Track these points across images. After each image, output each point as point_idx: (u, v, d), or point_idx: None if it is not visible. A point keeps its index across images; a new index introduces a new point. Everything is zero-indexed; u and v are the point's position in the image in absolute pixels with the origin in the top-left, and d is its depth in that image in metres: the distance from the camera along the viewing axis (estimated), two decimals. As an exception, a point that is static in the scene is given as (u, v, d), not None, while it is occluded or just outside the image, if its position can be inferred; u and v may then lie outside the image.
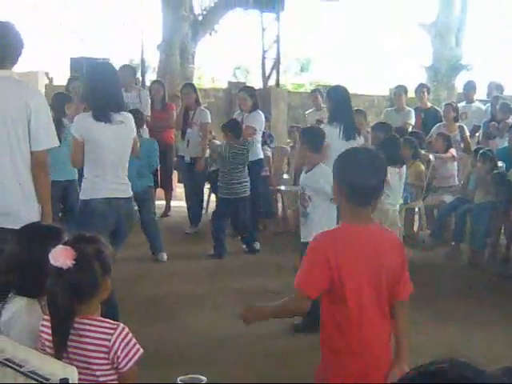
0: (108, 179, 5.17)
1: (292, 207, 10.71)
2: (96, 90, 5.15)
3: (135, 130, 5.44)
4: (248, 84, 15.17)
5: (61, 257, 2.57)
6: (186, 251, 8.70)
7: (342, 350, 2.93)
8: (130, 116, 5.36)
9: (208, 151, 9.95)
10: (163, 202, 11.03)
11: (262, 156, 9.50)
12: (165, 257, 8.17)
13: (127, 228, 5.39)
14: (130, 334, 2.65)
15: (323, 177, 5.54)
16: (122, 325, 2.66)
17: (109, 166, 5.16)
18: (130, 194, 5.34)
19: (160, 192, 10.77)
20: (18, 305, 2.87)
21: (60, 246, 2.62)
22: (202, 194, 10.15)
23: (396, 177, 7.04)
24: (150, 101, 10.10)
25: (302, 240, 5.79)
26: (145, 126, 9.63)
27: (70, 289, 2.58)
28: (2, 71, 4.27)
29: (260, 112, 9.44)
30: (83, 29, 33.33)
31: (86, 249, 2.64)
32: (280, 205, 11.11)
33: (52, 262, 2.57)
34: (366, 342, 2.91)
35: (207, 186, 10.59)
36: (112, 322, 2.67)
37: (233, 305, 6.14)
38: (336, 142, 7.06)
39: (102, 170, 5.16)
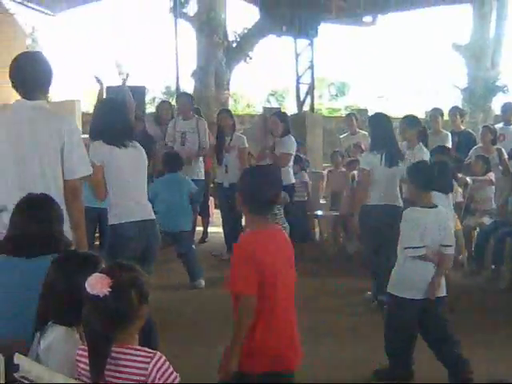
0: (131, 202, 5.24)
1: (329, 232, 10.67)
2: (107, 122, 5.26)
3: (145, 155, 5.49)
4: (283, 109, 15.21)
5: (97, 285, 2.58)
6: (223, 277, 8.66)
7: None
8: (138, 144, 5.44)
9: None
10: (201, 228, 11.06)
11: (293, 181, 9.50)
12: (202, 283, 8.16)
13: (155, 250, 5.41)
14: (167, 363, 2.63)
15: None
16: (158, 353, 2.65)
17: (130, 189, 5.23)
18: (153, 215, 5.40)
19: (198, 218, 10.80)
20: (56, 333, 2.89)
21: (96, 274, 2.63)
22: (241, 219, 10.13)
23: (446, 202, 6.73)
24: (207, 130, 9.99)
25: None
26: (201, 159, 9.80)
27: (107, 317, 2.58)
28: (34, 102, 4.33)
29: (291, 137, 9.47)
30: (121, 58, 33.81)
31: (122, 276, 2.64)
32: (317, 230, 11.06)
33: (88, 290, 2.58)
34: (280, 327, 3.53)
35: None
36: (149, 350, 2.66)
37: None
38: (378, 169, 7.21)
39: (124, 194, 5.23)
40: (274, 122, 9.52)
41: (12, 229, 3.70)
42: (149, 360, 2.61)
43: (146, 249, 5.24)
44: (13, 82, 4.36)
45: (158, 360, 2.61)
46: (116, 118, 5.26)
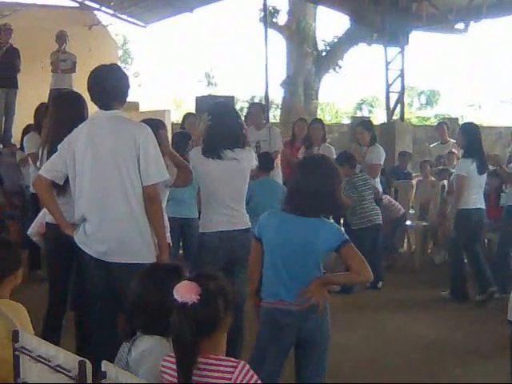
0: (219, 212, 5.26)
1: (418, 243, 10.52)
2: (211, 127, 5.28)
3: (252, 164, 5.49)
4: (373, 118, 15.09)
5: (186, 292, 2.59)
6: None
7: None
8: (247, 153, 5.41)
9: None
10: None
11: (381, 190, 9.41)
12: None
13: (243, 260, 5.43)
14: (251, 371, 2.63)
15: None
16: (242, 362, 2.65)
17: (220, 199, 5.26)
18: (247, 225, 5.37)
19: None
20: (147, 343, 2.93)
21: (185, 282, 2.65)
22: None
23: None
24: (281, 137, 9.99)
25: None
26: (276, 164, 9.70)
27: (195, 324, 2.59)
28: (110, 111, 4.43)
29: (379, 146, 9.41)
30: (211, 68, 34.38)
31: (209, 284, 2.66)
32: (406, 240, 10.92)
33: (177, 297, 2.59)
34: None
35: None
36: (233, 360, 2.66)
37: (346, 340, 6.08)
38: (473, 175, 7.91)
39: (213, 204, 5.28)
40: (360, 131, 9.52)
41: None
42: (233, 370, 2.61)
43: (232, 259, 5.28)
44: (91, 95, 4.50)
45: (242, 369, 2.62)
46: (221, 125, 5.29)
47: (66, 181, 4.49)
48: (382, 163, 9.41)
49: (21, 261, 3.69)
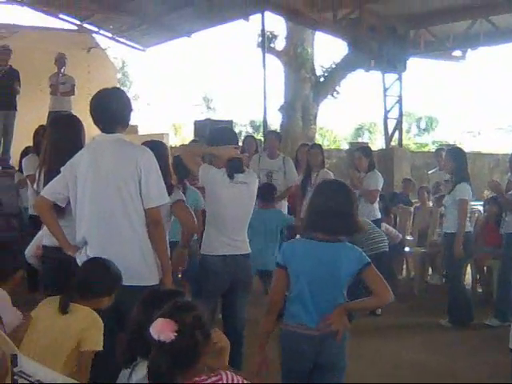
0: (225, 236, 5.29)
1: (416, 269, 10.48)
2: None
3: (256, 190, 5.51)
4: (371, 144, 15.11)
5: (163, 330, 2.58)
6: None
7: None
8: (254, 177, 5.46)
9: None
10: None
11: (379, 216, 9.37)
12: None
13: (245, 284, 5.42)
14: (235, 376, 2.66)
15: None
16: (222, 372, 2.68)
17: (227, 223, 5.29)
18: (248, 250, 5.41)
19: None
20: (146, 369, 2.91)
21: (160, 320, 2.62)
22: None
23: None
24: (295, 170, 9.89)
25: None
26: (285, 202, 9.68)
27: (174, 360, 2.58)
28: (112, 135, 4.45)
29: (377, 172, 9.39)
30: (209, 93, 34.56)
31: (185, 318, 2.64)
32: (404, 267, 10.89)
33: (154, 336, 2.58)
34: None
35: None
36: (214, 374, 2.67)
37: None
38: (470, 199, 8.31)
39: (220, 227, 5.31)
40: (359, 157, 9.50)
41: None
42: (220, 382, 2.63)
43: (235, 283, 5.27)
44: (93, 118, 4.51)
45: (227, 378, 2.64)
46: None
47: (68, 203, 4.49)
48: (380, 189, 9.41)
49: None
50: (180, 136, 29.21)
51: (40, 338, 3.73)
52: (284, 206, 9.68)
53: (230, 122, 13.30)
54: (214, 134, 5.70)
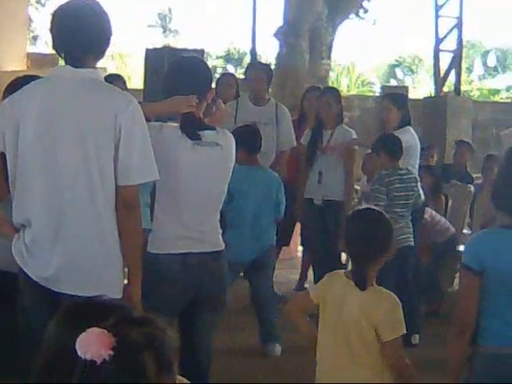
0: (184, 225, 5.21)
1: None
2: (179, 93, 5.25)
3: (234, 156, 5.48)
4: (412, 90, 15.10)
5: (93, 345, 2.52)
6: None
7: None
8: (229, 137, 5.40)
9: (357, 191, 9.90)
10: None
11: (422, 198, 9.39)
12: (278, 350, 8.17)
13: (216, 297, 5.41)
14: None
15: None
16: None
17: (189, 206, 5.21)
18: (220, 246, 5.36)
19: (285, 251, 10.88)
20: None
21: (93, 330, 2.57)
22: (339, 254, 10.06)
23: None
24: (291, 125, 9.85)
25: None
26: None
27: None
28: (81, 70, 4.40)
29: (411, 130, 9.36)
30: (167, 9, 34.41)
31: (130, 333, 2.60)
32: (457, 275, 10.92)
33: (79, 352, 2.53)
34: None
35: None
36: None
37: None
38: None
39: (176, 210, 5.22)
40: (387, 107, 9.43)
41: None
42: None
43: (199, 296, 5.26)
44: (55, 40, 4.48)
45: None
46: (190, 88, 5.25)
47: None
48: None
49: None
50: (124, 72, 29.15)
51: None
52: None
53: (201, 53, 13.18)
54: (172, 73, 5.64)
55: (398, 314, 4.51)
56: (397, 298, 4.59)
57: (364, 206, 6.84)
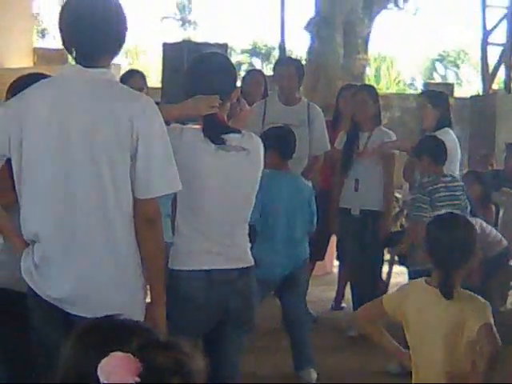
0: (209, 239, 5.20)
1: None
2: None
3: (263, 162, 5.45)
4: (458, 87, 15.07)
5: (118, 371, 2.54)
6: (349, 366, 8.65)
7: None
8: (256, 141, 5.37)
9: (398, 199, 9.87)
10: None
11: (467, 207, 9.36)
12: (314, 376, 8.15)
13: (244, 318, 5.40)
14: None
15: None
16: None
17: (213, 217, 5.19)
18: (249, 262, 5.35)
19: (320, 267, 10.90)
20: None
21: (117, 355, 2.59)
22: (379, 269, 10.05)
23: None
24: (325, 127, 9.79)
25: None
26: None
27: None
28: (94, 70, 4.39)
29: (451, 133, 9.29)
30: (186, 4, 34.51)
31: (157, 358, 2.61)
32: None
33: (102, 378, 2.55)
34: None
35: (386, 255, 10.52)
36: None
37: None
38: None
39: (200, 224, 5.21)
40: (423, 106, 9.37)
41: None
42: None
43: (225, 317, 5.25)
44: (63, 37, 4.46)
45: None
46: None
47: None
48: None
49: None
50: (139, 68, 29.30)
51: None
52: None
53: (224, 47, 13.16)
54: (192, 72, 5.61)
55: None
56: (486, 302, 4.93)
57: (444, 211, 6.90)
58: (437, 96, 9.64)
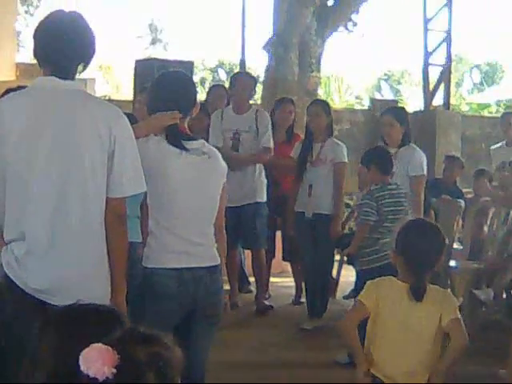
0: (179, 238, 5.22)
1: (466, 294, 10.49)
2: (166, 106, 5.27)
3: (226, 170, 5.49)
4: (402, 103, 15.16)
5: (96, 362, 2.51)
6: (304, 357, 8.69)
7: None
8: (215, 150, 5.44)
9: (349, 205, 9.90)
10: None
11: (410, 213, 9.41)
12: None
13: (211, 315, 5.40)
14: None
15: None
16: None
17: (184, 217, 5.22)
18: (217, 261, 5.36)
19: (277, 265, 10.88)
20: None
21: (96, 346, 2.57)
22: (330, 268, 10.08)
23: None
24: (270, 127, 9.96)
25: None
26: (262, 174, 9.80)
27: None
28: (69, 82, 4.46)
29: (414, 147, 9.29)
30: (158, 20, 34.39)
31: (135, 351, 2.61)
32: (448, 290, 10.91)
33: (82, 368, 2.52)
34: None
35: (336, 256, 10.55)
36: None
37: None
38: None
39: (170, 224, 5.24)
40: (389, 123, 9.26)
41: None
42: None
43: (194, 312, 5.25)
44: (39, 52, 4.51)
45: None
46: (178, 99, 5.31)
47: None
48: (426, 173, 9.35)
49: None
50: (112, 83, 29.13)
51: None
52: (262, 183, 9.80)
53: (190, 65, 13.13)
54: (155, 89, 5.60)
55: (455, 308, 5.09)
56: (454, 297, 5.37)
57: (413, 217, 7.27)
58: (401, 113, 9.61)
